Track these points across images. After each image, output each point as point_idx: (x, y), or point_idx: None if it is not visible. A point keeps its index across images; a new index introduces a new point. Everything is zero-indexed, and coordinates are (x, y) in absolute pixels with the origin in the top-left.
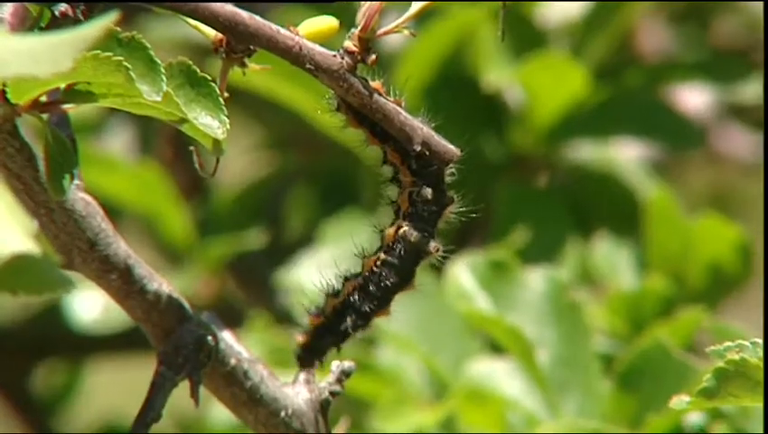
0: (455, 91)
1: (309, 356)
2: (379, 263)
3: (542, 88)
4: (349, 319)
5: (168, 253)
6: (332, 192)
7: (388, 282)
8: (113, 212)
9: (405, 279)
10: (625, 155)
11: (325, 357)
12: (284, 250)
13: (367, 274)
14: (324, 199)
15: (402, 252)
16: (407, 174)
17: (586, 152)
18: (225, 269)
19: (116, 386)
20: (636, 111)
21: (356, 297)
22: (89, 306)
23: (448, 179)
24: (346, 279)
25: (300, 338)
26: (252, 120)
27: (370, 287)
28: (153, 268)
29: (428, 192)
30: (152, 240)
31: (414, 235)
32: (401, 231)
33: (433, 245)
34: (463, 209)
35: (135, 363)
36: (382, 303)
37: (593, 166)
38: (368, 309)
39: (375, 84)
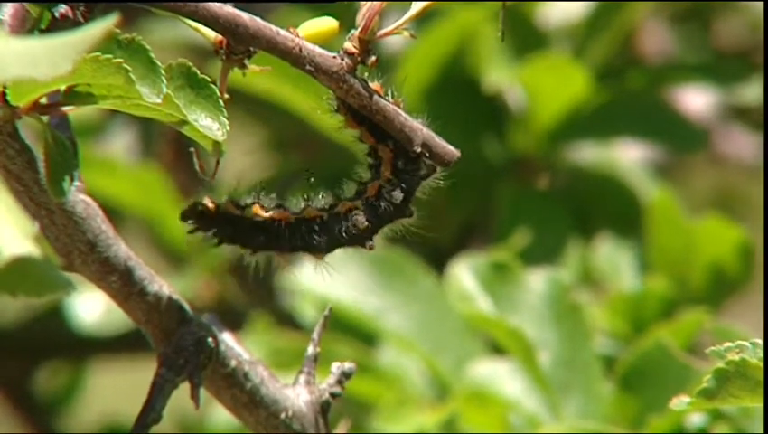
0: (456, 93)
1: (199, 221)
2: (318, 221)
3: (543, 89)
4: (254, 234)
5: (169, 255)
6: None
7: (313, 239)
8: (114, 214)
9: (328, 248)
10: (627, 157)
11: (204, 232)
12: None
13: (300, 220)
14: None
15: (343, 231)
16: (389, 170)
17: (588, 154)
18: (226, 271)
19: (117, 387)
20: (638, 113)
21: (280, 228)
22: (91, 307)
23: (420, 193)
24: (280, 206)
25: (208, 203)
26: (253, 122)
27: (295, 232)
28: (153, 270)
29: (399, 196)
30: (153, 242)
31: (363, 224)
32: (353, 215)
33: (370, 243)
34: (413, 229)
35: (137, 364)
36: (288, 250)
37: (594, 168)
38: (273, 246)
39: (375, 86)
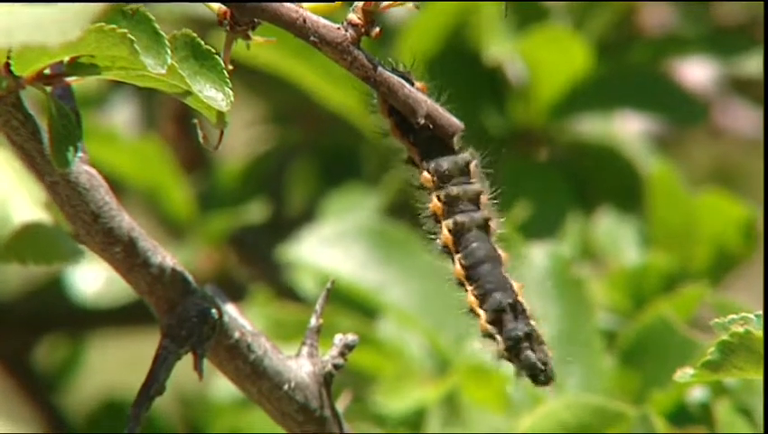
0: (457, 65)
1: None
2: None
3: (544, 62)
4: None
5: (170, 227)
6: (334, 166)
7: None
8: (115, 186)
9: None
10: (628, 130)
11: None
12: (285, 225)
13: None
14: (326, 173)
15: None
16: (424, 166)
17: (588, 126)
18: (226, 244)
19: (118, 360)
20: (638, 86)
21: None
22: (91, 279)
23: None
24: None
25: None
26: (254, 94)
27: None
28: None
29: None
30: (154, 215)
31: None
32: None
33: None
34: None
35: (138, 336)
36: None
37: (595, 141)
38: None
39: (419, 85)
